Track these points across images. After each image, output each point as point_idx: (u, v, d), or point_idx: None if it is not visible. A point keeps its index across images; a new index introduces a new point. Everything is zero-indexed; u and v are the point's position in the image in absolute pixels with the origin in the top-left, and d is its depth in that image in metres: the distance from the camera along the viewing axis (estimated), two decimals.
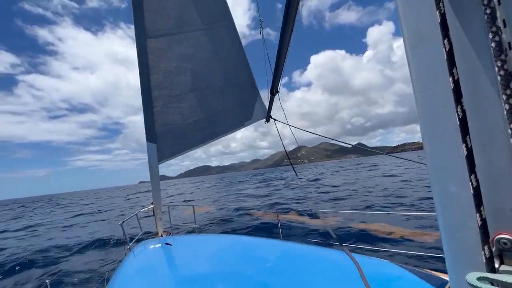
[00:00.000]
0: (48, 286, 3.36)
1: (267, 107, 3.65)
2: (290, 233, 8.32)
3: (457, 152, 0.47)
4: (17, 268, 8.15)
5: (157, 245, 3.01)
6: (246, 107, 4.32)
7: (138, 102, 3.93)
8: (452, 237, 0.51)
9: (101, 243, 10.08)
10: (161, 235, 3.73)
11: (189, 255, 2.44)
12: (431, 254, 3.88)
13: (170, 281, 1.87)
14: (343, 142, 2.90)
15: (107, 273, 4.60)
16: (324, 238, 6.90)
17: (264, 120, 3.98)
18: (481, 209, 0.45)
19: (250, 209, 14.19)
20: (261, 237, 3.11)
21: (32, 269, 8.03)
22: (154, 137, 3.61)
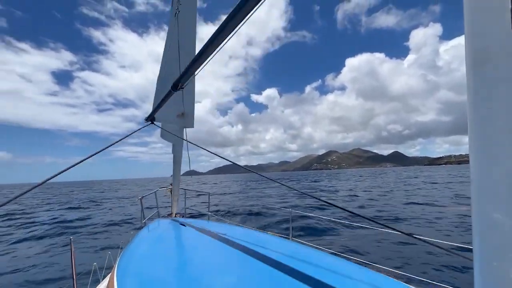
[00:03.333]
0: (72, 242, 3.58)
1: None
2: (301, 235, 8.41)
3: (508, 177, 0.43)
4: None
5: (170, 224, 3.13)
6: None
7: None
8: (489, 269, 0.47)
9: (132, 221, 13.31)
10: (175, 216, 3.75)
11: (199, 238, 2.49)
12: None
13: (175, 260, 1.94)
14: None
15: (122, 242, 4.78)
16: (350, 254, 6.59)
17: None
18: None
19: (267, 207, 14.47)
20: (270, 234, 3.05)
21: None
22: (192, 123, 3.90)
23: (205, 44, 1.32)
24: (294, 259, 1.86)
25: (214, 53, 1.38)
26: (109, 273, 2.31)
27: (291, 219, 4.25)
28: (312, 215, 4.93)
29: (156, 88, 3.51)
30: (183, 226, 2.95)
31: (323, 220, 10.18)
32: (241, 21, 1.15)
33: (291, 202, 17.75)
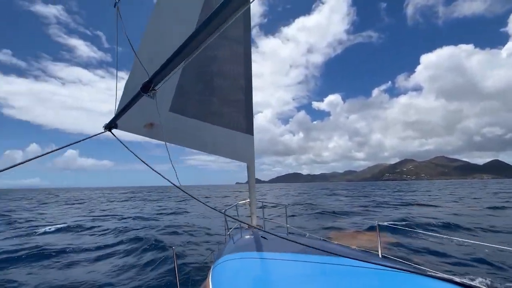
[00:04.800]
0: (174, 252, 3.48)
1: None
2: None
3: None
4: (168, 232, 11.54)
5: (252, 236, 3.31)
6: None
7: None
8: None
9: (206, 230, 12.14)
10: (255, 227, 3.98)
11: (281, 251, 2.47)
12: None
13: (261, 272, 2.03)
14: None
15: (214, 252, 5.26)
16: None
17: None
18: None
19: (347, 219, 13.44)
20: (356, 249, 2.74)
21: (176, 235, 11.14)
22: (251, 129, 3.65)
23: (187, 40, 1.07)
24: (384, 280, 1.62)
25: (198, 50, 1.12)
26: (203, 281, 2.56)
27: (378, 234, 3.22)
28: (408, 229, 4.47)
29: (124, 89, 2.62)
30: (265, 239, 3.05)
31: (422, 235, 8.89)
32: (229, 16, 0.93)
33: (375, 215, 15.92)
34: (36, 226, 14.07)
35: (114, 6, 2.06)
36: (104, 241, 10.27)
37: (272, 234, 3.08)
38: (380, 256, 2.83)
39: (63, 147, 1.55)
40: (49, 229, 12.95)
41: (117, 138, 1.93)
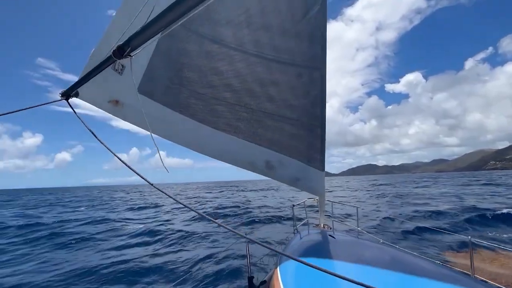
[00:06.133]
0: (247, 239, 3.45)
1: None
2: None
3: None
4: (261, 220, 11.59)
5: (320, 235, 3.22)
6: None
7: None
8: None
9: (276, 218, 12.12)
10: (323, 226, 3.86)
11: (349, 254, 2.35)
12: None
13: (327, 276, 1.84)
14: None
15: (279, 245, 5.37)
16: None
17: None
18: None
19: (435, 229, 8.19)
20: (440, 264, 2.40)
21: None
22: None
23: None
24: None
25: (189, 13, 0.94)
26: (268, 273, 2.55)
27: (471, 251, 2.62)
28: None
29: (92, 53, 2.11)
30: (333, 239, 2.93)
31: None
32: None
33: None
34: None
35: None
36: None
37: (341, 235, 3.10)
38: (472, 276, 2.39)
39: (13, 112, 1.36)
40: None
41: (72, 108, 1.55)
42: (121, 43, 1.16)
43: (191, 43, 2.64)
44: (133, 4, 2.07)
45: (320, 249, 2.61)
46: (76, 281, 5.35)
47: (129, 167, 1.37)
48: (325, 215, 4.20)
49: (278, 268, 2.08)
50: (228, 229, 1.26)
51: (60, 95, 1.62)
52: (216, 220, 1.25)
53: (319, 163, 3.50)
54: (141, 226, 11.08)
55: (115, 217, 14.01)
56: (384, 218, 10.78)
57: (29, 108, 1.44)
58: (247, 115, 2.93)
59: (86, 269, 5.91)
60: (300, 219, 4.83)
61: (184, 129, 2.80)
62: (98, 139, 1.50)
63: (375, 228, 9.35)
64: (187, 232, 9.54)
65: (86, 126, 1.52)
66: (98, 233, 9.87)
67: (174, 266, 6.08)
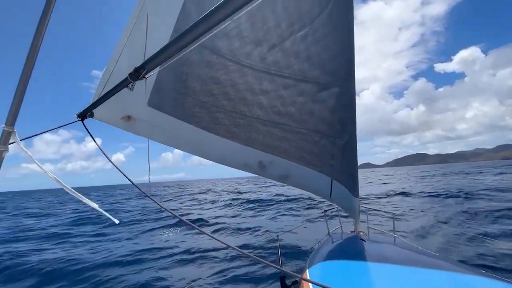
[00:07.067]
0: (278, 237, 4.29)
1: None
2: None
3: None
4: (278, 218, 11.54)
5: (353, 241, 3.16)
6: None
7: None
8: None
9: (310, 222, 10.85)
10: (358, 232, 3.75)
11: (384, 262, 2.20)
12: None
13: (358, 279, 1.90)
14: None
15: (311, 248, 5.01)
16: None
17: None
18: None
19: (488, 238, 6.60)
20: (485, 275, 1.99)
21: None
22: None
23: (198, 20, 0.91)
24: None
25: (206, 33, 0.97)
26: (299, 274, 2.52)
27: None
28: None
29: (105, 72, 2.20)
30: (366, 243, 2.91)
31: None
32: None
33: None
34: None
35: None
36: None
37: (375, 240, 3.09)
38: None
39: (39, 133, 1.54)
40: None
41: (86, 129, 1.69)
42: (137, 65, 1.21)
43: (194, 52, 2.77)
44: (140, 24, 2.18)
45: (352, 253, 2.62)
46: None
47: (120, 171, 1.57)
48: (360, 221, 4.11)
49: (307, 270, 2.12)
50: (229, 246, 1.14)
51: (77, 116, 1.74)
52: (225, 242, 1.23)
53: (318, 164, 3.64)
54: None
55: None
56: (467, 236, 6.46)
57: (51, 130, 1.67)
58: (242, 121, 3.16)
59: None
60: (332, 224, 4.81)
61: (189, 137, 2.97)
62: (102, 152, 1.65)
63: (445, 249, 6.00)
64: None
65: (99, 147, 1.68)
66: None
67: (209, 256, 6.63)
